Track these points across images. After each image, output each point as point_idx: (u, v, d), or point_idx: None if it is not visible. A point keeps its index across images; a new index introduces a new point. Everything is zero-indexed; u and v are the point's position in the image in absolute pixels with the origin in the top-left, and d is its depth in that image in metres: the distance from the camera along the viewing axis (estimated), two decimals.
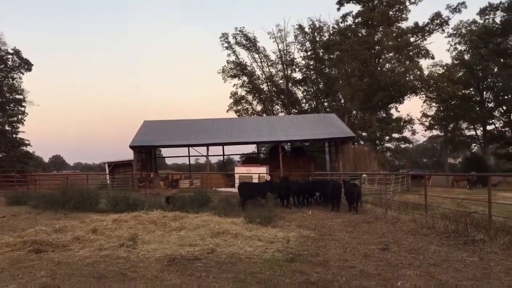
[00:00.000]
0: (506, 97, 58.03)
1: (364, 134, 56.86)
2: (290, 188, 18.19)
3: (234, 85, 68.40)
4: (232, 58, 66.84)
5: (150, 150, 41.98)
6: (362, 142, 54.99)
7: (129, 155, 38.87)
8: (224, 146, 44.33)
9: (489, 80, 59.45)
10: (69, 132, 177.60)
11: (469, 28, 59.11)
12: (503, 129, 60.95)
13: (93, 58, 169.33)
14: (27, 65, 55.46)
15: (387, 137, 57.05)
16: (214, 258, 8.11)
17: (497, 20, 53.02)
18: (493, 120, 61.48)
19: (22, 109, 56.16)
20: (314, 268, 7.15)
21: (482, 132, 62.87)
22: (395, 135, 57.77)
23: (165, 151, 60.39)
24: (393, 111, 61.19)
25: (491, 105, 61.17)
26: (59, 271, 7.25)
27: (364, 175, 31.55)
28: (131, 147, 36.46)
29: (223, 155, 49.14)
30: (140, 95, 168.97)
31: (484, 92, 60.75)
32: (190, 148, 41.98)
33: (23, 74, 56.01)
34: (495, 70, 56.71)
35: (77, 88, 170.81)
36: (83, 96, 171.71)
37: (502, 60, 54.67)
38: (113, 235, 10.37)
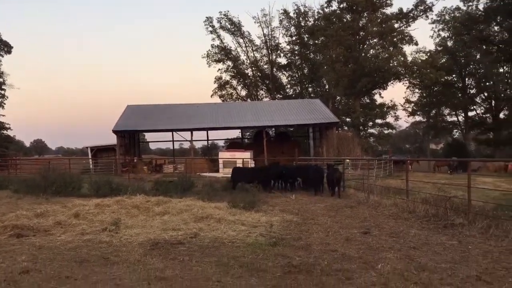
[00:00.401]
0: (487, 83, 58.77)
1: (348, 119, 57.20)
2: (282, 173, 18.32)
3: (219, 69, 67.86)
4: (217, 42, 66.30)
5: (133, 135, 41.63)
6: (346, 128, 55.35)
7: (112, 139, 38.53)
8: (209, 131, 44.20)
9: (471, 66, 60.11)
10: (51, 116, 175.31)
11: (452, 14, 59.41)
12: (484, 115, 61.89)
13: (76, 42, 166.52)
14: (6, 48, 54.31)
15: (371, 123, 57.51)
16: (197, 242, 8.13)
17: (480, 7, 53.41)
18: (474, 107, 62.35)
19: (2, 92, 55.18)
20: (296, 252, 7.22)
21: (463, 118, 63.73)
22: (379, 121, 58.28)
23: (149, 136, 59.91)
24: (376, 97, 61.63)
25: (472, 91, 61.94)
26: (40, 256, 7.21)
27: (348, 160, 31.87)
28: (114, 131, 36.10)
29: (207, 140, 49.09)
30: (124, 79, 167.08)
31: (466, 79, 61.43)
32: (174, 133, 41.75)
33: (2, 56, 54.92)
34: (477, 57, 57.30)
35: (60, 72, 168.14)
36: (66, 80, 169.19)
37: (484, 47, 55.22)
38: (95, 219, 10.31)
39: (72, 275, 6.14)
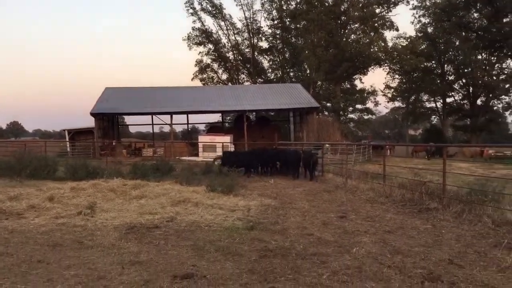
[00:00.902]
0: (465, 70, 59.52)
1: (328, 104, 57.49)
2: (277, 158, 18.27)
3: (200, 53, 67.26)
4: (198, 25, 65.47)
5: (112, 118, 41.10)
6: (326, 113, 55.64)
7: (91, 122, 37.93)
8: (189, 115, 43.90)
9: (450, 53, 60.74)
10: (28, 98, 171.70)
11: (433, 1, 59.74)
12: (461, 102, 62.80)
13: (54, 21, 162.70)
14: None
15: (351, 108, 57.96)
16: (174, 226, 8.07)
17: None
18: (452, 93, 63.22)
19: None
20: (273, 236, 7.22)
21: (441, 105, 64.61)
22: (359, 106, 58.76)
23: (129, 119, 59.26)
24: (357, 82, 62.00)
25: (451, 78, 62.69)
26: (12, 240, 7.07)
27: (327, 145, 32.04)
28: (92, 114, 35.56)
29: (187, 123, 48.75)
30: (103, 61, 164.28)
31: (445, 65, 62.09)
32: (154, 116, 41.32)
33: None
34: (457, 43, 57.90)
35: (37, 53, 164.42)
36: (43, 61, 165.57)
37: (463, 33, 55.80)
38: (70, 203, 10.15)
39: (45, 259, 6.03)
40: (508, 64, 59.08)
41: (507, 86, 57.90)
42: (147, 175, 15.57)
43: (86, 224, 8.21)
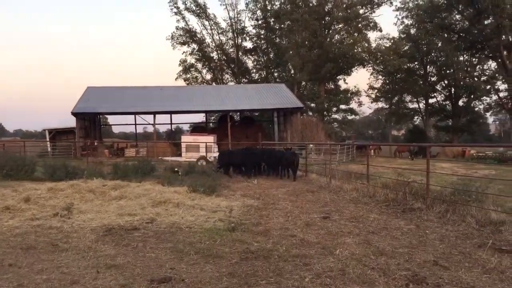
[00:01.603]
0: (448, 71, 60.18)
1: (312, 105, 57.57)
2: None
3: (183, 52, 66.84)
4: (182, 24, 65.04)
5: (94, 118, 40.57)
6: (310, 113, 55.69)
7: (73, 122, 37.34)
8: (172, 115, 43.55)
9: (432, 54, 61.32)
10: (9, 97, 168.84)
11: (416, 2, 60.29)
12: (443, 103, 63.50)
13: (35, 20, 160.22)
14: None
15: (335, 108, 58.08)
16: (153, 227, 7.85)
17: None
18: (435, 94, 63.87)
19: None
20: (255, 237, 7.05)
21: (424, 105, 65.22)
22: (343, 107, 58.96)
23: (112, 119, 58.69)
24: (341, 82, 62.21)
25: (433, 79, 63.33)
26: None
27: (311, 145, 32.02)
28: (73, 113, 35.01)
29: (171, 123, 48.37)
30: (86, 61, 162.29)
31: (428, 66, 62.70)
32: (137, 116, 40.88)
33: None
34: (439, 45, 58.49)
35: (18, 52, 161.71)
36: (25, 60, 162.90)
37: (445, 35, 56.39)
38: (47, 204, 9.84)
39: (16, 262, 5.78)
40: (489, 65, 60.05)
41: (488, 87, 58.73)
42: (128, 175, 15.28)
43: (62, 226, 7.93)
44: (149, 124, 40.43)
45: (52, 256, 6.12)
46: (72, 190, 11.32)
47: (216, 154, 27.07)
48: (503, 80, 53.17)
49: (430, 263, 5.58)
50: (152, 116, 37.23)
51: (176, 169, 17.52)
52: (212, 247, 6.49)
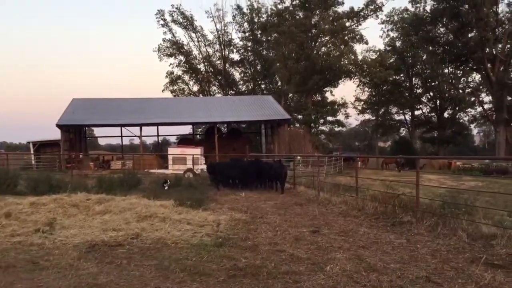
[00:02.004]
0: (433, 83, 60.92)
1: (299, 116, 57.71)
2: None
3: (170, 64, 66.74)
4: (169, 36, 65.11)
5: (79, 130, 40.07)
6: (297, 125, 55.77)
7: (58, 134, 36.82)
8: (159, 127, 43.24)
9: (418, 66, 62.14)
10: None
11: (401, 16, 61.12)
12: (429, 114, 64.19)
13: (18, 32, 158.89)
14: None
15: (322, 120, 58.24)
16: (138, 243, 7.62)
17: (427, 8, 55.20)
18: (420, 106, 64.57)
19: None
20: (243, 253, 6.86)
21: (410, 117, 65.82)
22: (330, 118, 59.15)
23: (98, 131, 58.09)
24: (328, 94, 62.53)
25: (419, 91, 64.05)
26: None
27: (299, 157, 31.96)
28: (58, 126, 34.54)
29: (158, 135, 48.03)
30: (72, 73, 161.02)
31: (413, 78, 63.44)
32: (123, 128, 40.48)
33: None
34: (424, 57, 59.24)
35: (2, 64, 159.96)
36: (9, 71, 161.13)
37: (430, 47, 57.12)
38: (28, 219, 9.51)
39: None
40: (473, 77, 60.89)
41: (472, 99, 59.51)
42: (113, 189, 14.97)
43: (44, 243, 7.65)
44: (136, 136, 40.09)
45: (32, 275, 5.86)
46: (55, 205, 10.99)
47: (203, 167, 26.88)
48: (488, 92, 53.89)
49: (422, 279, 5.44)
50: (138, 128, 36.87)
51: (165, 185, 17.02)
52: (198, 264, 6.29)
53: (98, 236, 8.11)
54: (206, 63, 66.86)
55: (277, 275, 5.69)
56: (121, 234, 8.25)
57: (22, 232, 8.42)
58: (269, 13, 62.18)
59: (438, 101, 61.43)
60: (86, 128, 44.25)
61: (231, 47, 67.03)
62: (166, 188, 15.52)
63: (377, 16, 58.09)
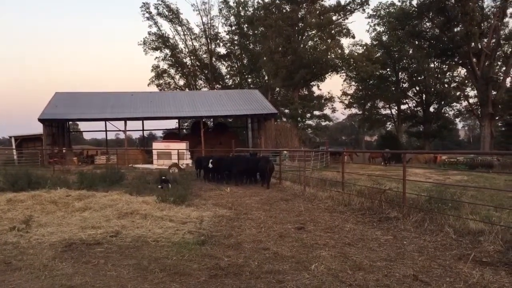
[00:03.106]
0: (419, 78, 61.15)
1: (286, 111, 57.57)
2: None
3: (156, 58, 66.01)
4: (154, 29, 64.39)
5: (62, 124, 39.42)
6: (284, 119, 55.61)
7: (41, 129, 36.14)
8: (144, 121, 42.74)
9: (404, 61, 62.28)
10: None
11: (387, 10, 61.13)
12: (415, 109, 64.47)
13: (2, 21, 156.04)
14: None
15: (309, 115, 58.20)
16: (118, 242, 7.36)
17: (414, 3, 55.25)
18: (406, 100, 64.81)
19: None
20: (225, 252, 6.65)
21: (396, 111, 66.06)
22: (316, 113, 59.16)
23: (82, 126, 57.34)
24: (314, 88, 62.44)
25: (405, 85, 64.26)
26: None
27: (285, 151, 31.79)
28: (40, 120, 33.90)
29: (143, 130, 47.55)
30: (55, 66, 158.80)
31: (400, 73, 63.60)
32: (108, 122, 39.90)
33: None
34: (410, 52, 59.38)
35: None
36: None
37: (416, 42, 57.26)
38: (4, 217, 9.22)
39: None
40: (459, 72, 61.22)
41: (458, 93, 59.88)
42: (95, 184, 14.64)
43: (19, 241, 7.37)
44: (120, 130, 39.52)
45: (3, 276, 5.61)
46: (33, 201, 10.70)
47: (189, 161, 26.56)
48: (473, 87, 54.23)
49: (410, 278, 5.28)
50: (123, 122, 36.36)
51: (161, 184, 15.30)
52: (179, 263, 6.07)
53: (76, 234, 7.86)
54: (192, 57, 66.29)
55: (260, 275, 5.49)
56: (100, 232, 8.01)
57: None
58: (255, 7, 61.82)
59: (424, 96, 61.73)
60: (71, 122, 43.56)
61: (218, 41, 66.55)
62: (160, 187, 14.65)
63: (363, 10, 58.04)
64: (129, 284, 5.26)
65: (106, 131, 43.26)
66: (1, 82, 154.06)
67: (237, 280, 5.34)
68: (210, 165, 17.85)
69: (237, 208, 10.95)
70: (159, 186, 14.46)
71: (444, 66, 60.65)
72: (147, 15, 62.82)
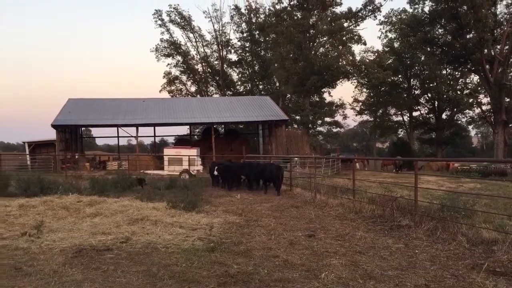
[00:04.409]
0: (431, 84, 60.71)
1: (297, 117, 57.47)
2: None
3: (168, 64, 66.35)
4: (166, 36, 64.82)
5: (75, 130, 39.76)
6: (295, 126, 55.53)
7: (54, 134, 36.49)
8: (156, 127, 42.96)
9: (416, 68, 61.88)
10: None
11: (399, 17, 60.92)
12: (427, 116, 63.98)
13: (14, 33, 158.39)
14: None
15: (320, 121, 58.04)
16: (128, 248, 7.36)
17: (426, 9, 55.00)
18: (418, 107, 64.35)
19: None
20: (235, 259, 6.61)
21: (408, 118, 65.60)
22: (327, 119, 58.95)
23: (95, 132, 57.79)
24: (326, 95, 62.29)
25: (417, 92, 63.83)
26: None
27: (296, 158, 31.71)
28: (53, 126, 34.24)
29: (154, 136, 47.76)
30: (68, 72, 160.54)
31: (411, 80, 63.23)
32: (120, 128, 40.17)
33: None
34: (422, 58, 59.01)
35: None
36: (5, 72, 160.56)
37: (428, 49, 56.91)
38: (16, 222, 9.29)
39: None
40: (471, 79, 60.70)
41: (470, 100, 59.32)
42: (106, 190, 14.71)
43: (30, 247, 7.39)
44: (132, 136, 39.74)
45: (13, 282, 5.61)
46: (44, 207, 10.77)
47: (200, 168, 26.63)
48: (486, 94, 53.72)
49: None
50: (135, 128, 36.58)
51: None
52: (188, 270, 6.04)
53: (87, 240, 7.87)
54: (203, 64, 66.63)
55: (269, 283, 5.45)
56: (110, 238, 8.01)
57: (8, 236, 8.20)
58: (267, 14, 62.01)
59: (436, 102, 61.27)
60: (83, 128, 43.92)
61: (229, 48, 66.87)
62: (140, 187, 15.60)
63: (375, 17, 57.95)
64: None
65: (118, 137, 43.56)
66: (15, 88, 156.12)
67: None
68: (216, 172, 17.93)
69: (247, 215, 10.92)
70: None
71: (456, 73, 60.16)
72: (159, 22, 63.42)
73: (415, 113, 65.03)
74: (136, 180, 17.31)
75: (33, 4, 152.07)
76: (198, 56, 66.29)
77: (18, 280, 5.68)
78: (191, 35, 65.08)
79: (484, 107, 57.11)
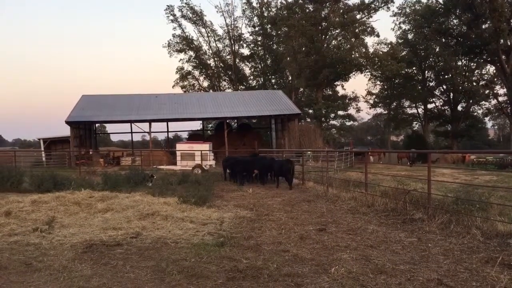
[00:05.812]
0: (446, 76, 59.83)
1: (310, 111, 57.23)
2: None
3: (180, 60, 66.52)
4: (178, 32, 64.88)
5: (89, 126, 40.04)
6: (308, 119, 55.29)
7: (68, 131, 36.85)
8: (169, 123, 43.07)
9: (430, 59, 61.03)
10: (7, 107, 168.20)
11: (413, 7, 60.13)
12: (442, 108, 63.12)
13: (28, 30, 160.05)
14: None
15: (333, 115, 57.67)
16: (137, 243, 7.35)
17: (440, 0, 54.12)
18: (433, 99, 63.54)
19: None
20: (244, 253, 6.55)
21: (423, 111, 64.85)
22: (341, 113, 58.54)
23: (109, 128, 58.19)
24: (339, 88, 61.88)
25: (432, 84, 63.00)
26: None
27: (309, 152, 31.56)
28: (67, 122, 34.53)
29: (167, 131, 47.92)
30: (82, 69, 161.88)
31: (426, 71, 62.39)
32: (133, 124, 40.36)
33: None
34: (437, 49, 58.17)
35: (14, 60, 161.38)
36: (21, 68, 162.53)
37: (443, 40, 56.07)
38: (28, 218, 9.33)
39: None
40: (487, 70, 59.67)
41: (487, 92, 58.36)
42: (118, 185, 14.75)
43: (41, 243, 7.41)
44: (145, 132, 39.92)
45: (23, 278, 5.63)
46: (56, 203, 10.81)
47: (212, 162, 26.62)
48: (502, 85, 52.83)
49: (434, 282, 5.08)
50: (147, 123, 36.73)
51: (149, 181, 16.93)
52: (197, 265, 6.00)
53: (97, 235, 7.88)
54: (216, 58, 66.61)
55: (278, 278, 5.39)
56: (121, 233, 8.01)
57: (20, 231, 8.23)
58: (278, 7, 61.72)
59: (451, 94, 60.40)
60: (97, 124, 44.21)
61: (241, 42, 66.72)
62: (150, 184, 15.49)
63: (388, 8, 57.21)
64: (146, 286, 5.23)
65: (131, 132, 43.82)
66: (30, 86, 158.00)
67: (254, 283, 5.24)
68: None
69: (258, 209, 10.85)
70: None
71: (472, 64, 59.18)
72: (171, 17, 63.50)
73: (430, 105, 64.33)
74: (146, 176, 17.37)
75: (45, 1, 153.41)
76: (210, 51, 66.36)
77: (28, 276, 5.69)
78: (203, 30, 65.14)
79: (500, 98, 56.20)
